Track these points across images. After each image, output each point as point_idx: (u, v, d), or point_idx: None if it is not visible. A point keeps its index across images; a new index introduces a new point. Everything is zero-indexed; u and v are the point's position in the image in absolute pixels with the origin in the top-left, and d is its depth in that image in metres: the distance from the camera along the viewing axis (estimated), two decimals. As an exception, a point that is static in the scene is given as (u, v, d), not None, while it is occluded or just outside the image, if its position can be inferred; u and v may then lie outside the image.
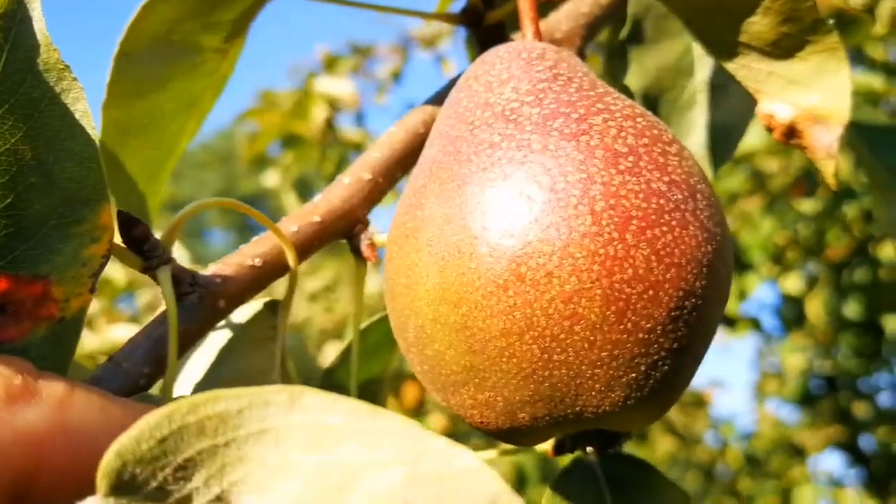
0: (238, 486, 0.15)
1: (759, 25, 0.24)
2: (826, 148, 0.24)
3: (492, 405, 0.20)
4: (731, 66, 0.26)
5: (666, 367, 0.20)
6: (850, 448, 2.59)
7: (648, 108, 0.29)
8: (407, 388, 1.60)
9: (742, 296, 2.12)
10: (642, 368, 0.20)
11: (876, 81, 0.95)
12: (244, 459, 0.15)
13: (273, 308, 0.31)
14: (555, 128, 0.20)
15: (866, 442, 2.57)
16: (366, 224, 0.29)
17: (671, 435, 2.77)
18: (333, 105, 1.70)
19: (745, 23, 0.24)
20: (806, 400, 2.61)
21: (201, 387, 0.29)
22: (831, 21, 0.23)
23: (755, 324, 2.67)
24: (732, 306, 2.08)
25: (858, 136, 0.42)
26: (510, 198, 0.19)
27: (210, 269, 0.28)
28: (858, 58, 1.02)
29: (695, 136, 0.37)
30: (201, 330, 0.27)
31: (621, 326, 0.19)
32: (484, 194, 0.20)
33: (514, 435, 0.21)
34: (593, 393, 0.20)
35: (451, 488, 0.13)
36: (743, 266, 2.00)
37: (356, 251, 0.30)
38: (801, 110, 0.24)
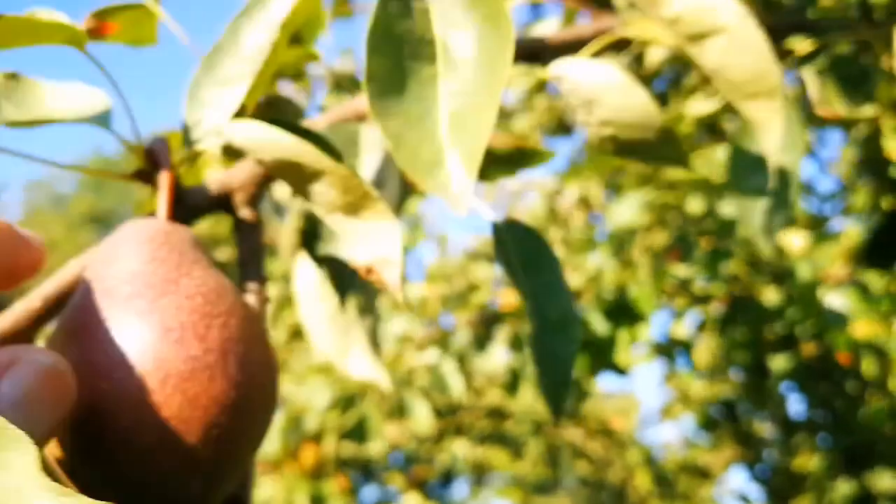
0: None
1: (329, 195, 0.32)
2: (392, 283, 0.32)
3: None
4: (330, 221, 0.34)
5: (201, 481, 0.27)
6: (753, 466, 2.71)
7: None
8: (304, 450, 1.63)
9: (634, 342, 2.21)
10: (178, 484, 0.27)
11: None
12: None
13: None
14: (133, 307, 0.27)
15: (769, 458, 2.69)
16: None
17: (583, 459, 2.86)
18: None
19: (318, 193, 0.33)
20: (709, 425, 2.71)
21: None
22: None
23: (659, 349, 2.78)
24: (624, 355, 2.16)
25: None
26: (92, 360, 0.27)
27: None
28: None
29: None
30: None
31: (162, 453, 0.26)
32: (79, 353, 0.27)
33: None
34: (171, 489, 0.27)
35: None
36: (633, 317, 2.09)
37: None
38: (372, 257, 0.32)
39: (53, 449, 0.34)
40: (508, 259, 0.44)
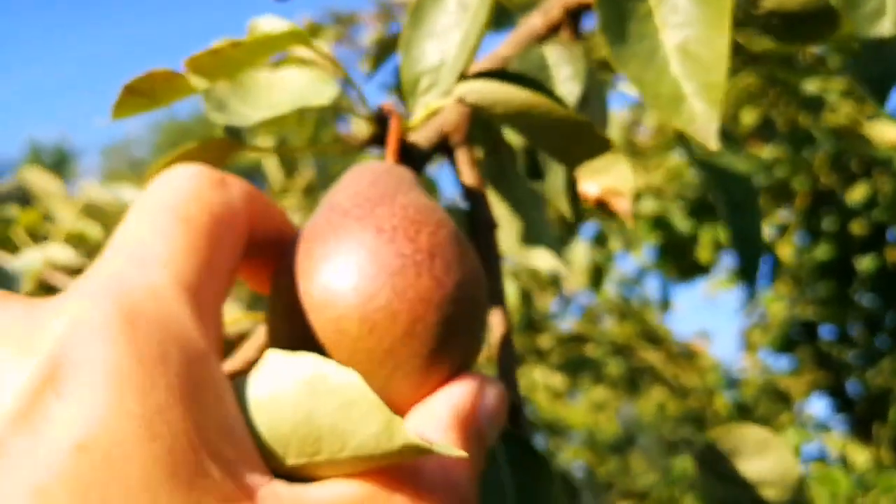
0: None
1: (560, 141, 0.33)
2: (623, 211, 0.34)
3: None
4: (559, 160, 0.35)
5: (409, 367, 0.29)
6: (835, 393, 2.69)
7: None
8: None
9: (718, 245, 2.19)
10: (390, 367, 0.29)
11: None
12: None
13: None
14: (351, 214, 0.30)
15: (852, 387, 2.66)
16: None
17: (662, 385, 2.88)
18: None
19: (550, 138, 0.34)
20: (787, 347, 2.69)
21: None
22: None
23: (738, 276, 2.75)
24: (708, 254, 2.15)
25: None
26: (316, 257, 0.29)
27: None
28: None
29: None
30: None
31: (371, 338, 0.28)
32: (306, 254, 0.30)
33: None
34: (367, 380, 0.29)
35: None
36: (716, 215, 2.07)
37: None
38: (603, 188, 0.34)
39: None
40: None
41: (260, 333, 0.36)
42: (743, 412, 2.89)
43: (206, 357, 0.22)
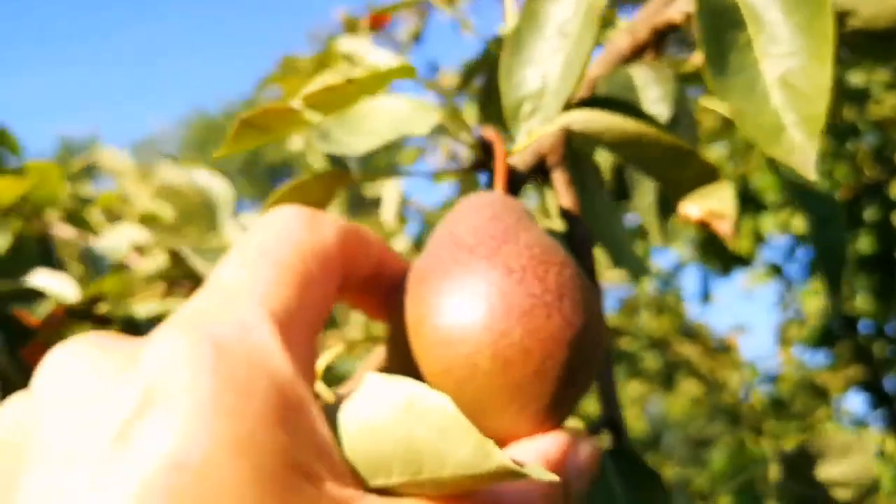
0: None
1: (665, 165, 0.34)
2: (725, 233, 0.35)
3: None
4: (662, 182, 0.36)
5: (539, 404, 0.30)
6: (872, 388, 2.66)
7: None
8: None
9: (758, 237, 2.18)
10: (520, 402, 0.29)
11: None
12: None
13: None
14: (477, 252, 0.30)
15: (890, 383, 2.64)
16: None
17: (696, 379, 2.87)
18: (356, 66, 1.74)
19: (654, 162, 0.35)
20: (826, 341, 2.67)
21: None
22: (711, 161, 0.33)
23: (775, 270, 2.73)
24: (749, 245, 2.14)
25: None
26: (443, 293, 0.30)
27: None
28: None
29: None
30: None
31: (504, 374, 0.29)
32: (431, 288, 0.30)
33: None
34: (490, 416, 0.30)
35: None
36: (758, 206, 2.06)
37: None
38: (705, 211, 0.35)
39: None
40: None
41: (371, 360, 0.37)
42: (779, 407, 2.87)
43: (294, 383, 0.23)
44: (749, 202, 1.97)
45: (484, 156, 0.37)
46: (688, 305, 2.68)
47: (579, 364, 0.30)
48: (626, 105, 0.36)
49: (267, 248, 0.26)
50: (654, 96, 0.42)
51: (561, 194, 0.39)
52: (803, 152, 0.32)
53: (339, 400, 0.25)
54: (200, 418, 0.20)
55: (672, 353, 2.65)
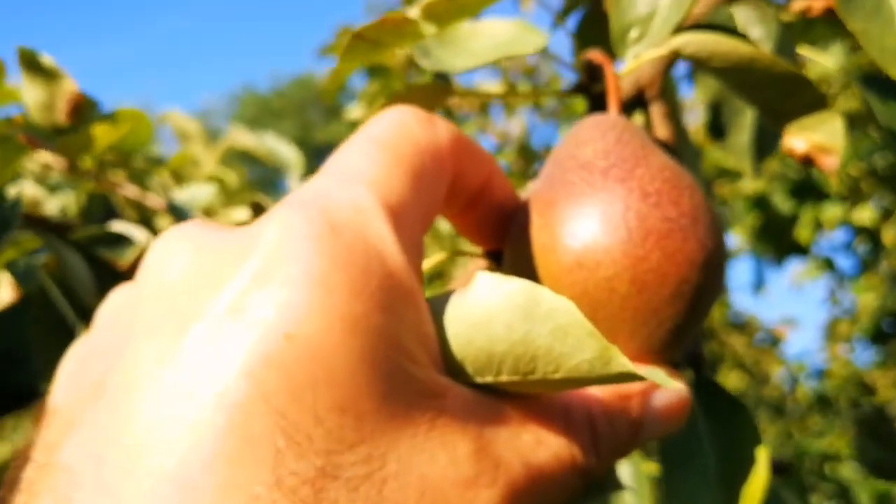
0: None
1: (777, 96, 0.34)
2: (830, 168, 0.35)
3: None
4: (772, 116, 0.36)
5: (668, 327, 0.30)
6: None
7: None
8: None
9: (818, 225, 2.14)
10: (653, 325, 0.30)
11: None
12: None
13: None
14: (611, 175, 0.30)
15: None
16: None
17: (740, 370, 2.83)
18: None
19: (765, 92, 0.34)
20: (878, 338, 2.62)
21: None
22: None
23: (828, 264, 2.68)
24: (808, 234, 2.09)
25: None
26: (578, 216, 0.30)
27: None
28: None
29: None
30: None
31: (640, 298, 0.29)
32: (563, 213, 0.30)
33: None
34: (622, 338, 0.30)
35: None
36: (821, 195, 2.01)
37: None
38: (811, 144, 0.34)
39: None
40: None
41: (466, 275, 0.37)
42: (824, 404, 2.82)
43: (405, 270, 0.23)
44: (811, 191, 1.94)
45: (587, 80, 0.37)
46: (735, 296, 2.64)
47: (711, 287, 0.30)
48: (735, 33, 0.35)
49: (384, 139, 0.26)
50: (757, 35, 0.41)
51: (658, 126, 0.39)
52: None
53: (443, 298, 0.25)
54: (316, 294, 0.21)
55: (717, 342, 2.62)
